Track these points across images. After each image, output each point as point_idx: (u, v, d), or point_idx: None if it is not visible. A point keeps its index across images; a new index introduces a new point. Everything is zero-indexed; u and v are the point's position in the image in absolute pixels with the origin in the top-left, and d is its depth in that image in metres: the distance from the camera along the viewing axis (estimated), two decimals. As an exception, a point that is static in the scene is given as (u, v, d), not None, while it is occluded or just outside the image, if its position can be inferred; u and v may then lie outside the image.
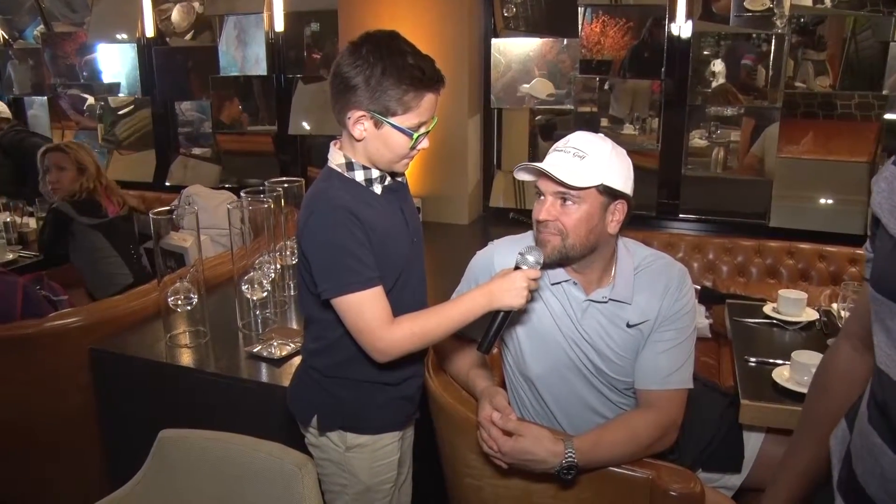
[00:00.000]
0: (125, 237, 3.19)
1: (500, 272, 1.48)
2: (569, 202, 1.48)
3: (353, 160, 1.46)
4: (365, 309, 1.39)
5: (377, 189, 1.48)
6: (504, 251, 1.67)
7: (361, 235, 1.40)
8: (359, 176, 1.46)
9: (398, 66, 1.35)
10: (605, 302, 1.57)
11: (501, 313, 1.44)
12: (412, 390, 1.63)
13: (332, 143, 1.51)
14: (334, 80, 1.41)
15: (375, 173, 1.47)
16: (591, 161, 1.47)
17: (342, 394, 1.54)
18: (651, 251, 1.65)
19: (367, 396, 1.54)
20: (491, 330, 1.46)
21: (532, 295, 1.53)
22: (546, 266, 1.54)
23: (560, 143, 1.52)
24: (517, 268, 1.45)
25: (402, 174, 1.54)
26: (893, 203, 0.90)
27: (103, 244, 3.14)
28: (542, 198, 1.52)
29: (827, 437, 1.12)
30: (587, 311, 1.58)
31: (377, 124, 1.39)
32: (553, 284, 1.60)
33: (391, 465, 1.59)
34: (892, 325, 0.90)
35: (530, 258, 1.45)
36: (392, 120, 1.38)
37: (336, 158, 1.48)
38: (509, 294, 1.41)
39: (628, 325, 1.56)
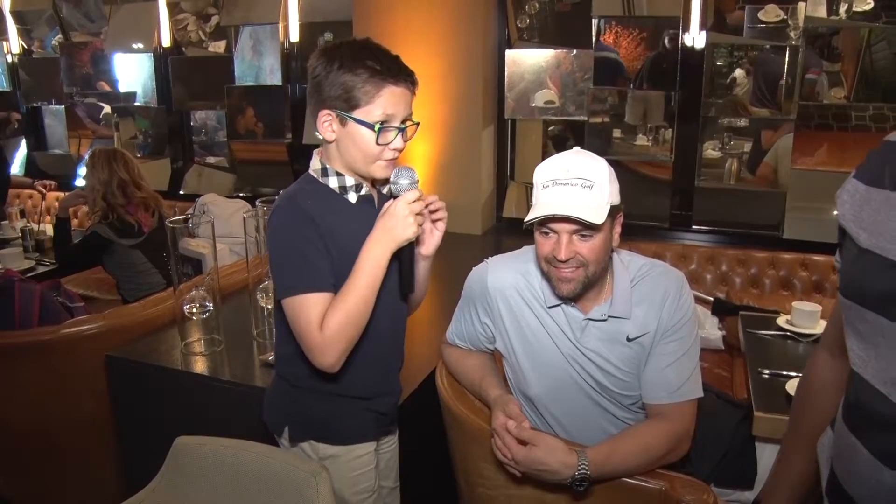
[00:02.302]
0: (159, 247, 3.23)
1: (381, 211, 1.41)
2: (586, 234, 1.44)
3: (327, 166, 1.46)
4: (302, 312, 1.35)
5: (352, 198, 1.46)
6: (498, 269, 1.66)
7: (317, 239, 1.38)
8: (332, 182, 1.46)
9: (353, 58, 1.36)
10: (605, 319, 1.54)
11: (404, 249, 1.41)
12: (386, 408, 1.59)
13: (314, 151, 1.52)
14: (308, 85, 1.44)
15: (350, 181, 1.45)
16: (599, 188, 1.42)
17: (312, 404, 1.52)
18: (646, 260, 1.62)
19: (337, 407, 1.51)
20: (403, 271, 1.46)
21: (529, 316, 1.54)
22: (563, 297, 1.53)
23: (559, 173, 1.44)
24: (394, 197, 1.39)
25: (383, 182, 1.48)
26: (855, 213, 0.96)
27: (141, 259, 3.25)
28: (552, 235, 1.47)
29: (814, 445, 1.15)
30: (586, 329, 1.56)
31: (342, 121, 1.39)
32: (550, 308, 1.58)
33: (368, 475, 1.56)
34: (861, 328, 0.94)
35: (403, 182, 1.39)
36: (354, 114, 1.37)
37: (314, 164, 1.49)
38: (397, 229, 1.36)
39: (628, 339, 1.54)
